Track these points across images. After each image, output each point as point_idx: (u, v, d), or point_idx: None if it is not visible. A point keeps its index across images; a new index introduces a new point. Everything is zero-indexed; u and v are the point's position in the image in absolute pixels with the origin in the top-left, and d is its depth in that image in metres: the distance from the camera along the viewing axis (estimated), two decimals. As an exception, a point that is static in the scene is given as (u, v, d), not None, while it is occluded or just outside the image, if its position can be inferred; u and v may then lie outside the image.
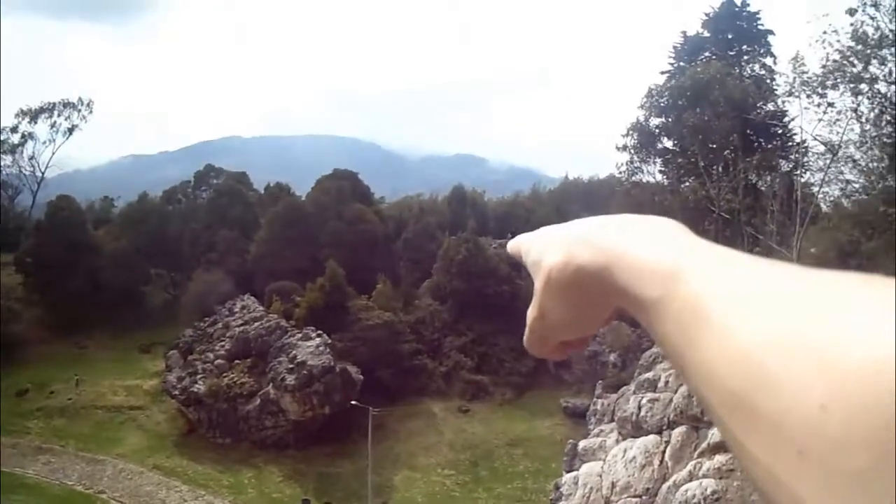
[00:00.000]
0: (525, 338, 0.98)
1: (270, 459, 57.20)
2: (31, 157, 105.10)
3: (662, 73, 60.64)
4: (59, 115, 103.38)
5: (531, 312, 0.94)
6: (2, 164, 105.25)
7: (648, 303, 0.74)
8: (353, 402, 55.47)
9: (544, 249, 0.92)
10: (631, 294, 0.77)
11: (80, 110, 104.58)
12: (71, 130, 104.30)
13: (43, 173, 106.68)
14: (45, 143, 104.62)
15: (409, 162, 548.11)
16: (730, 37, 58.90)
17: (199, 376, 61.34)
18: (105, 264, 78.50)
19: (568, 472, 29.91)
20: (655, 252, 0.76)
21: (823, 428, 0.50)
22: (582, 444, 30.12)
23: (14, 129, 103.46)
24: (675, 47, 61.27)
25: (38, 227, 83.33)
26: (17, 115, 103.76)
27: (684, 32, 61.71)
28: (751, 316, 0.60)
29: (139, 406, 65.17)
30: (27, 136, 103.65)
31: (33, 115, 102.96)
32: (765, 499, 0.57)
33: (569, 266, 0.86)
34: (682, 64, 59.05)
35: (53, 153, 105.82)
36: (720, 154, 50.51)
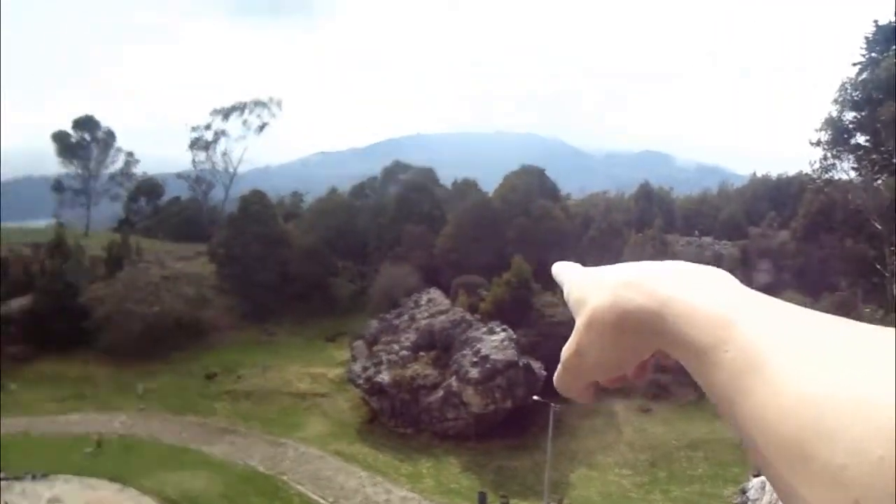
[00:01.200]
0: (557, 375, 1.05)
1: (450, 450, 58.85)
2: (224, 154, 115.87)
3: (854, 64, 58.80)
4: (250, 114, 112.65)
5: (568, 350, 1.01)
6: (196, 160, 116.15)
7: (700, 350, 0.78)
8: (535, 397, 55.13)
9: (591, 290, 0.98)
10: (682, 341, 0.82)
11: (270, 108, 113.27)
12: (262, 128, 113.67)
13: (235, 169, 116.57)
14: (237, 140, 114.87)
15: (594, 159, 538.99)
16: (927, 23, 55.70)
17: (383, 366, 64.04)
18: (294, 256, 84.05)
19: (756, 476, 29.22)
20: (709, 300, 0.82)
21: (881, 478, 0.54)
22: (771, 447, 29.79)
23: (207, 127, 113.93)
24: (866, 37, 58.95)
25: (230, 220, 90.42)
26: (210, 114, 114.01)
27: (876, 21, 59.42)
28: (806, 366, 0.64)
29: (323, 393, 69.20)
30: (220, 134, 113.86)
31: (226, 114, 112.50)
32: None
33: (615, 309, 0.92)
34: (874, 55, 57.20)
35: (245, 150, 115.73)
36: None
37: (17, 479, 54.79)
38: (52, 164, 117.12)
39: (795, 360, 0.64)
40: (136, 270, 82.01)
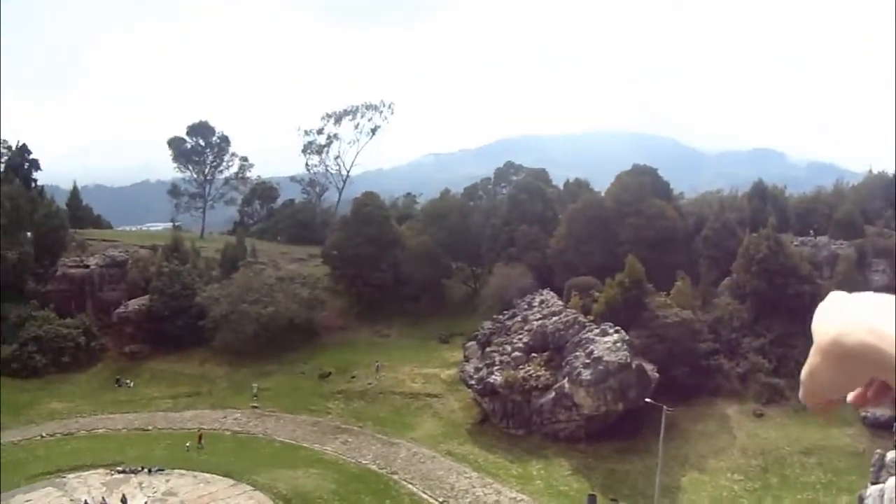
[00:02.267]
0: (800, 391, 1.24)
1: (560, 452, 58.44)
2: (337, 157, 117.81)
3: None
4: (362, 117, 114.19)
5: (804, 370, 1.17)
6: (309, 163, 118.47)
7: None
8: (647, 400, 55.21)
9: (825, 319, 1.13)
10: None
11: (381, 112, 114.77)
12: (374, 131, 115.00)
13: (348, 172, 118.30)
14: (349, 143, 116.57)
15: (706, 157, 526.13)
16: None
17: (495, 367, 64.02)
18: (407, 258, 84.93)
19: (873, 483, 28.84)
20: None
21: None
22: (890, 454, 29.45)
23: (320, 132, 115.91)
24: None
25: (343, 223, 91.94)
26: (322, 118, 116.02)
27: None
28: None
29: (436, 394, 69.51)
30: (332, 138, 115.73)
31: (338, 118, 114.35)
32: None
33: (839, 342, 1.07)
34: None
35: (357, 153, 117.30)
36: None
37: (135, 472, 56.85)
38: (168, 170, 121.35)
39: None
40: (251, 272, 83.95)
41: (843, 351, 1.06)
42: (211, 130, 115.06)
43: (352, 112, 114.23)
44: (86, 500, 51.82)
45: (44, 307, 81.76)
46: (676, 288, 69.72)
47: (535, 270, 79.94)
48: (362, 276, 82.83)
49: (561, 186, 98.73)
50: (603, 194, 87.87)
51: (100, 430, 66.55)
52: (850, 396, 1.18)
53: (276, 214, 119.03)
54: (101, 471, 57.61)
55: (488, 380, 63.18)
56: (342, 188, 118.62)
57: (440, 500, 52.36)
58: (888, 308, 1.06)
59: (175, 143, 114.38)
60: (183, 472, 56.77)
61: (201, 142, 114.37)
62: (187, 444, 61.19)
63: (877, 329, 1.02)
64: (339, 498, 52.07)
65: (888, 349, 0.97)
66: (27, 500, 52.75)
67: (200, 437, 62.32)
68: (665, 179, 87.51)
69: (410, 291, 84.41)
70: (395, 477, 56.03)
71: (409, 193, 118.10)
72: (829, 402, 1.16)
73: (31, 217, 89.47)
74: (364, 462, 58.68)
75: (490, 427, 63.50)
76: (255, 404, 69.35)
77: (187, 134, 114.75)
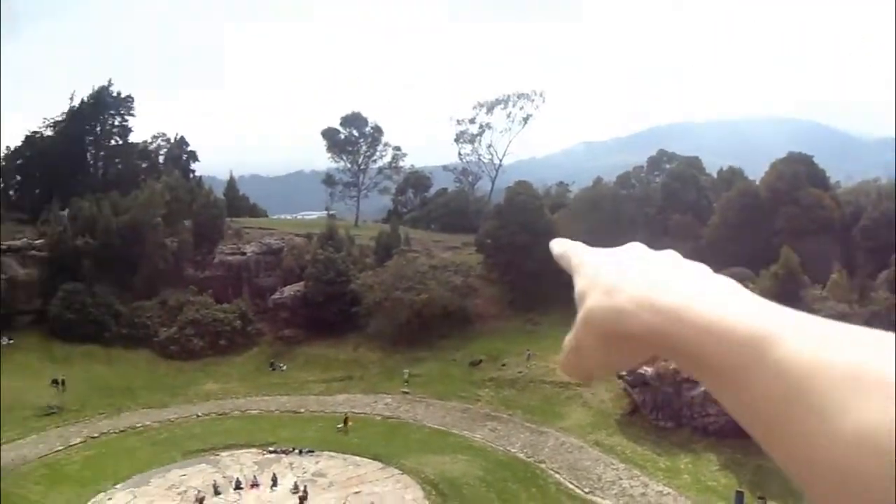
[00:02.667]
0: (561, 358, 0.99)
1: (709, 447, 56.58)
2: (489, 146, 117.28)
3: None
4: (514, 106, 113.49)
5: (568, 343, 0.95)
6: (462, 153, 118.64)
7: (726, 371, 0.74)
8: None
9: (592, 285, 0.93)
10: (704, 360, 0.77)
11: (533, 101, 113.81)
12: (526, 120, 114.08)
13: (500, 161, 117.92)
14: (501, 132, 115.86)
15: (864, 144, 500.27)
16: None
17: None
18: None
19: None
20: (732, 315, 0.76)
21: None
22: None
23: (472, 121, 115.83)
24: None
25: (497, 211, 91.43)
26: (474, 108, 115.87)
27: None
28: (858, 396, 0.59)
29: (585, 384, 68.87)
30: (485, 127, 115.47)
31: (490, 107, 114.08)
32: None
33: (620, 322, 0.86)
34: None
35: (510, 142, 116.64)
36: None
37: (286, 452, 58.09)
38: (322, 160, 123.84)
39: (846, 391, 0.60)
40: (405, 260, 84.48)
41: (620, 331, 0.87)
42: (364, 121, 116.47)
43: (503, 101, 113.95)
44: (238, 478, 53.19)
45: (202, 292, 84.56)
46: (832, 280, 67.02)
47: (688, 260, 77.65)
48: (515, 265, 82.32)
49: (714, 174, 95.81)
50: (757, 182, 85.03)
51: (253, 411, 68.24)
52: None
53: (429, 203, 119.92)
54: (253, 450, 59.11)
55: (640, 371, 61.17)
56: (495, 177, 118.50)
57: (586, 490, 51.51)
58: (669, 279, 0.89)
59: (329, 134, 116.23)
60: (333, 454, 57.58)
61: (355, 132, 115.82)
62: (338, 426, 62.32)
63: (662, 306, 0.83)
64: (485, 485, 51.81)
65: (682, 331, 0.79)
66: (182, 475, 54.62)
67: (346, 421, 63.25)
68: (821, 167, 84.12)
69: (563, 280, 79.12)
70: (543, 466, 55.43)
71: (561, 182, 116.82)
72: (591, 373, 0.99)
73: (189, 206, 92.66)
74: (512, 450, 58.24)
75: (639, 419, 62.03)
76: (406, 390, 69.79)
77: (341, 125, 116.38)
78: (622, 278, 0.90)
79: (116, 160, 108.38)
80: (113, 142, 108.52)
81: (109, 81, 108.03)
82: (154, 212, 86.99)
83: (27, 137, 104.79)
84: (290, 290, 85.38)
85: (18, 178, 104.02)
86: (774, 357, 0.69)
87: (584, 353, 0.92)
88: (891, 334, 0.60)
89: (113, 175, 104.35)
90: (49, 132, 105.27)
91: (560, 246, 1.19)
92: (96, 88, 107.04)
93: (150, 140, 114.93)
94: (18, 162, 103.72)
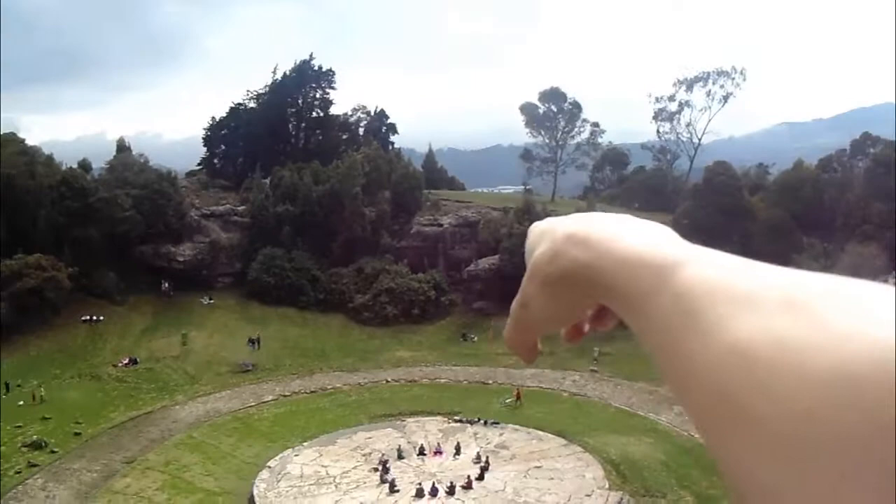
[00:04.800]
0: (506, 328, 1.05)
1: None
2: (689, 125, 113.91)
3: None
4: (713, 84, 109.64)
5: (515, 302, 1.00)
6: (660, 130, 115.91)
7: (636, 297, 0.77)
8: None
9: (537, 241, 0.99)
10: (617, 290, 0.81)
11: (734, 79, 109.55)
12: (726, 98, 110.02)
13: (699, 140, 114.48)
14: (701, 110, 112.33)
15: None
16: None
17: None
18: (758, 230, 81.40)
19: None
20: (646, 248, 0.81)
21: (809, 431, 0.53)
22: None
23: (671, 98, 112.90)
24: None
25: (695, 191, 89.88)
26: (674, 85, 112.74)
27: None
28: (743, 314, 0.62)
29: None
30: (684, 105, 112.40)
31: (689, 84, 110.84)
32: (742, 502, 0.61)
33: (554, 261, 0.91)
34: None
35: (709, 120, 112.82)
36: None
37: (471, 422, 58.80)
38: (520, 134, 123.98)
39: (732, 309, 0.63)
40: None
41: (556, 273, 0.91)
42: (563, 97, 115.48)
43: (703, 78, 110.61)
44: (421, 444, 54.36)
45: (398, 262, 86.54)
46: None
47: (889, 251, 73.54)
48: (712, 247, 79.71)
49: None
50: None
51: (441, 380, 69.66)
52: (565, 332, 1.08)
53: (626, 181, 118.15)
54: (438, 418, 60.43)
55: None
56: (693, 156, 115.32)
57: (766, 480, 49.67)
58: (599, 221, 0.92)
59: (527, 109, 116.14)
60: (517, 427, 58.07)
61: (553, 108, 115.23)
62: (507, 400, 63.89)
63: (589, 240, 0.88)
64: (667, 469, 51.12)
65: (604, 264, 0.84)
66: (367, 437, 56.43)
67: (519, 395, 63.94)
68: None
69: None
70: (720, 451, 53.98)
71: (760, 164, 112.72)
72: (535, 344, 1.04)
73: (388, 177, 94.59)
74: (696, 436, 56.01)
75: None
76: (595, 368, 69.30)
77: (539, 100, 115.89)
78: (558, 226, 0.95)
79: (317, 131, 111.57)
80: (314, 114, 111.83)
81: (311, 55, 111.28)
82: (354, 181, 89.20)
83: (231, 109, 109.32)
84: (484, 263, 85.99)
85: (223, 147, 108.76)
86: (676, 280, 0.73)
87: (530, 307, 0.97)
88: (795, 271, 0.64)
89: (314, 146, 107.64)
90: (252, 104, 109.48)
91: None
92: (298, 62, 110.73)
93: (350, 112, 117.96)
94: (223, 132, 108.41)
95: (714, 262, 0.74)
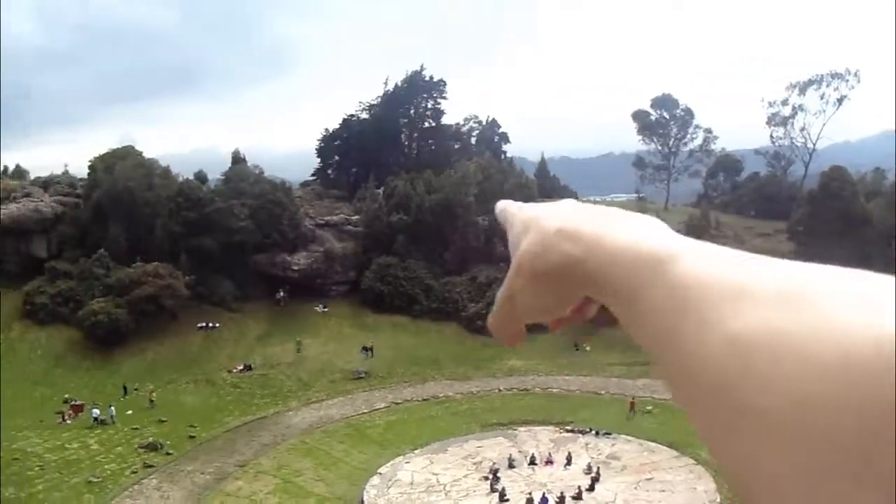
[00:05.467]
0: (490, 316, 1.00)
1: None
2: (802, 129, 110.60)
3: None
4: (827, 87, 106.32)
5: (501, 292, 0.96)
6: (774, 136, 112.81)
7: (628, 291, 0.74)
8: None
9: (523, 232, 0.94)
10: (609, 284, 0.78)
11: (848, 81, 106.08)
12: (840, 101, 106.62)
13: (814, 144, 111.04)
14: (815, 114, 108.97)
15: None
16: None
17: None
18: (875, 236, 79.01)
19: None
20: (638, 241, 0.78)
21: (810, 420, 0.52)
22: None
23: (784, 102, 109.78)
24: None
25: (810, 198, 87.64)
26: (787, 88, 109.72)
27: None
28: (739, 306, 0.60)
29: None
30: (797, 109, 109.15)
31: (802, 88, 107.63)
32: (744, 496, 0.59)
33: (543, 256, 0.88)
34: None
35: (824, 124, 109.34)
36: None
37: (582, 432, 58.06)
38: (632, 142, 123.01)
39: (728, 300, 0.61)
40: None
41: (545, 267, 0.86)
42: (674, 103, 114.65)
43: (816, 81, 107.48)
44: (533, 454, 53.82)
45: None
46: None
47: None
48: (828, 254, 77.60)
49: None
50: None
51: (553, 390, 68.99)
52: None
53: (740, 187, 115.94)
54: (550, 428, 59.82)
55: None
56: (808, 161, 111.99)
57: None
58: (589, 214, 0.89)
59: (639, 116, 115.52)
60: (629, 438, 57.24)
61: (665, 114, 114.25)
62: (631, 411, 62.54)
63: (579, 234, 0.84)
64: (781, 483, 49.15)
65: (595, 258, 0.81)
66: (478, 446, 56.29)
67: (633, 405, 62.94)
68: None
69: (878, 271, 77.97)
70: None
71: (877, 168, 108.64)
72: (520, 331, 0.99)
73: (501, 186, 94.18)
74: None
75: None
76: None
77: (651, 107, 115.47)
78: (548, 218, 0.91)
79: (430, 141, 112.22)
80: (426, 123, 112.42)
81: (422, 66, 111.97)
82: (466, 191, 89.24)
83: (344, 120, 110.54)
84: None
85: (336, 158, 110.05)
86: (670, 273, 0.71)
87: (516, 300, 0.93)
88: (792, 262, 0.63)
89: (426, 155, 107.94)
90: (365, 115, 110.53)
91: (501, 204, 1.17)
92: (410, 73, 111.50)
93: (462, 122, 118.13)
94: (336, 143, 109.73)
95: (708, 254, 0.71)
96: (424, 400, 67.09)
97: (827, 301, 0.55)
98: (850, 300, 0.54)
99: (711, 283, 0.65)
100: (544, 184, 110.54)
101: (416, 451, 55.83)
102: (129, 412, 62.60)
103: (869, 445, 0.48)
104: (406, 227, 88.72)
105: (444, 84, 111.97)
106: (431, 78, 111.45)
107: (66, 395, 65.86)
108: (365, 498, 48.72)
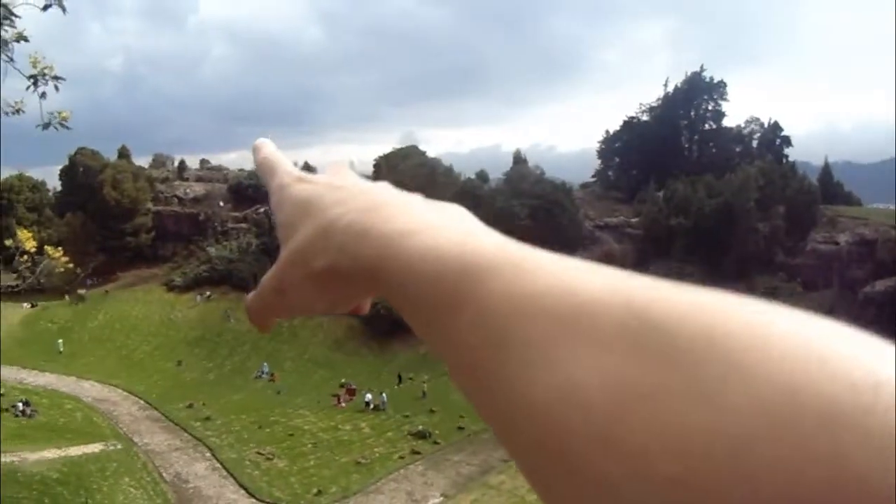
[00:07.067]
0: (252, 301, 0.78)
1: None
2: None
3: None
4: None
5: (270, 283, 0.75)
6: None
7: (430, 308, 0.57)
8: None
9: (300, 216, 0.74)
10: (408, 298, 0.60)
11: None
12: None
13: None
14: None
15: None
16: None
17: None
18: None
19: None
20: (445, 246, 0.59)
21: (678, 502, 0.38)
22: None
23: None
24: None
25: None
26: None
27: None
28: (573, 344, 0.46)
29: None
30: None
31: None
32: None
33: (325, 255, 0.68)
34: None
35: None
36: None
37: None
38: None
39: (558, 337, 0.46)
40: None
41: (329, 269, 0.68)
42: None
43: None
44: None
45: (791, 279, 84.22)
46: None
47: None
48: None
49: None
50: None
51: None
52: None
53: None
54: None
55: None
56: None
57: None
58: (388, 208, 0.68)
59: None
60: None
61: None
62: None
63: (370, 234, 0.65)
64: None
65: (392, 266, 0.61)
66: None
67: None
68: None
69: None
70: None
71: None
72: (275, 322, 0.81)
73: (783, 192, 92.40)
74: None
75: None
76: None
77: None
78: (334, 203, 0.71)
79: (710, 144, 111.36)
80: (707, 126, 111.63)
81: (702, 67, 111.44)
82: (747, 196, 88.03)
83: (625, 122, 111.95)
84: (881, 285, 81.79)
85: (617, 159, 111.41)
86: (480, 294, 0.52)
87: (288, 296, 0.74)
88: (643, 279, 0.50)
89: (707, 158, 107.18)
90: (645, 117, 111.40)
91: (262, 149, 0.89)
92: (689, 74, 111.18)
93: (743, 125, 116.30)
94: (617, 145, 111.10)
95: (533, 268, 0.53)
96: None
97: (685, 348, 0.41)
98: (715, 353, 0.40)
99: (537, 308, 0.49)
100: (827, 190, 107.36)
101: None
102: (404, 398, 65.53)
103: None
104: (685, 232, 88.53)
105: (725, 85, 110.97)
106: (711, 79, 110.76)
107: (343, 380, 70.16)
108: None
